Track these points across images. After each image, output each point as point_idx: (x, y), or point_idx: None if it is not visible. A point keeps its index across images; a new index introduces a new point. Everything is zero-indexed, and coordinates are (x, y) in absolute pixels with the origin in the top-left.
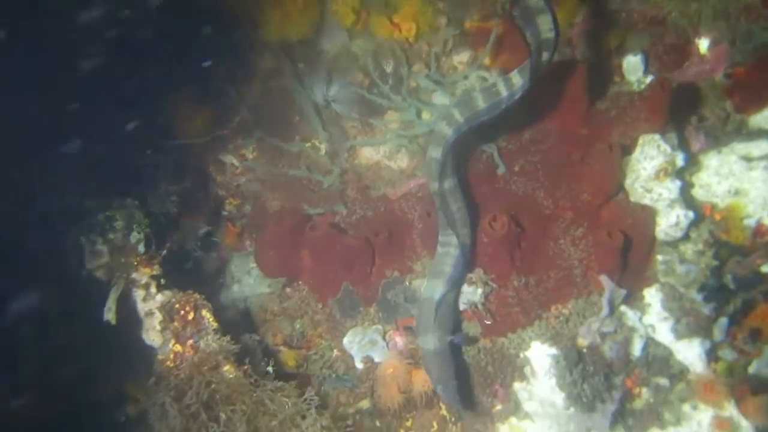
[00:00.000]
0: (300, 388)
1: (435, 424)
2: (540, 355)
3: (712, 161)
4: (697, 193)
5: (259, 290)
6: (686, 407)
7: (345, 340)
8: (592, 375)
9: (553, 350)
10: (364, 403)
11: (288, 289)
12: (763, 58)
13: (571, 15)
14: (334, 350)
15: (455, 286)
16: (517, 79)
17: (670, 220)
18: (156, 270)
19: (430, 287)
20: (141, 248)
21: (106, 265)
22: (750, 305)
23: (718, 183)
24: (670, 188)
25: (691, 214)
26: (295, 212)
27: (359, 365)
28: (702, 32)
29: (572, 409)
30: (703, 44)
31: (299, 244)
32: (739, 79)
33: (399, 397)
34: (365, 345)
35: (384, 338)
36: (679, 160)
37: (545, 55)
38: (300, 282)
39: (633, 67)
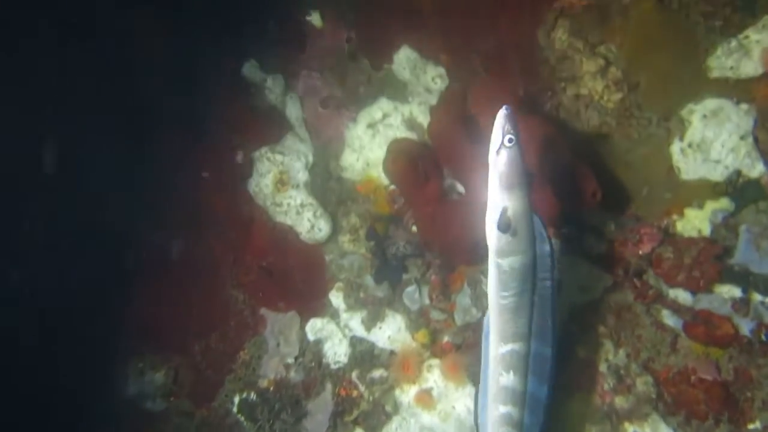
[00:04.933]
0: None
1: None
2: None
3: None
4: (348, 174)
5: None
6: (397, 392)
7: None
8: (279, 412)
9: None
10: None
11: None
12: None
13: None
14: None
15: None
16: None
17: (304, 227)
18: None
19: None
20: None
21: None
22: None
23: (357, 160)
24: (293, 195)
25: (320, 212)
26: None
27: None
28: None
29: None
30: None
31: None
32: None
33: None
34: None
35: None
36: (296, 164)
37: None
38: None
39: None
